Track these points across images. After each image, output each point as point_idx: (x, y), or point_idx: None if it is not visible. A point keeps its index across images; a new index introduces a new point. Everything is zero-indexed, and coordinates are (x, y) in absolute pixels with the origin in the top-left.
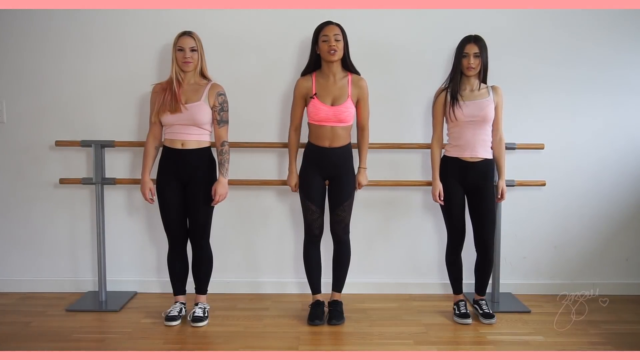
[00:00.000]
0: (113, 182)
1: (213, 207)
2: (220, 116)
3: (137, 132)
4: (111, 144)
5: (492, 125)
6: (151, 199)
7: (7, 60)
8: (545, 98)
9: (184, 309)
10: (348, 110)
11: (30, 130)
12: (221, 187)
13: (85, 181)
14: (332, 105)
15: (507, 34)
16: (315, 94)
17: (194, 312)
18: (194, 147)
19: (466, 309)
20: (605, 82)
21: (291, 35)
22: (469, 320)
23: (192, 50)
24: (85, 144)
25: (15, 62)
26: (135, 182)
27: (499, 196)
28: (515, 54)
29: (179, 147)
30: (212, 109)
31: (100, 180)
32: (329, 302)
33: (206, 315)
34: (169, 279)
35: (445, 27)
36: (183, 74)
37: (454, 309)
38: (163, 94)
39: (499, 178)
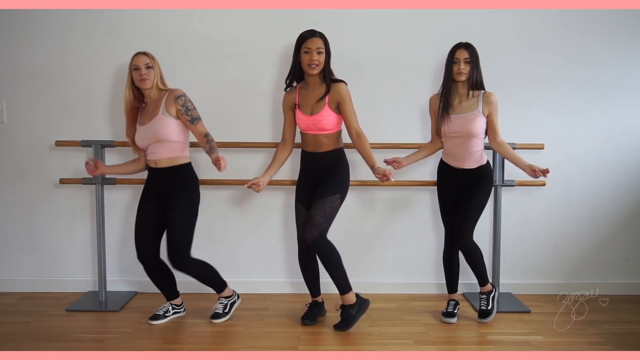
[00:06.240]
0: (113, 182)
1: (191, 226)
2: (189, 116)
3: None
4: (111, 144)
5: (488, 135)
6: (90, 165)
7: (8, 60)
8: (545, 98)
9: (171, 310)
10: (325, 118)
11: (30, 130)
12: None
13: (85, 181)
14: (311, 114)
15: (506, 34)
16: (297, 105)
17: (215, 309)
18: (166, 165)
19: (453, 309)
20: (605, 82)
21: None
22: (452, 320)
23: (148, 67)
24: (85, 144)
25: (15, 62)
26: (135, 182)
27: (538, 172)
28: (515, 54)
29: (154, 166)
30: (177, 115)
31: (100, 180)
32: (340, 306)
33: (226, 311)
34: None
35: (444, 28)
36: (143, 92)
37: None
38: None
39: (523, 167)
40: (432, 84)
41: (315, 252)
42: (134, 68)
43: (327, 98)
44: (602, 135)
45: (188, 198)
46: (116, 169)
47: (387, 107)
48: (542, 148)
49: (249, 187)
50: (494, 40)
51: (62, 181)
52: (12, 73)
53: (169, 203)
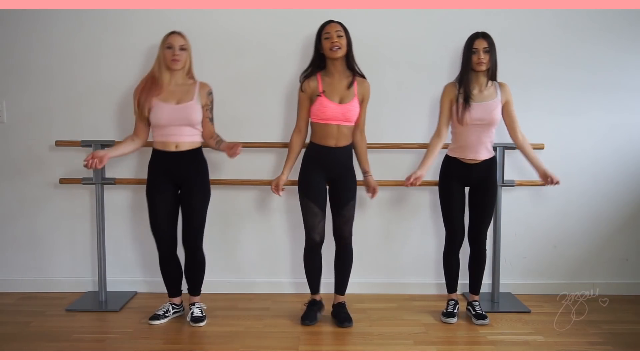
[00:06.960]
0: (113, 182)
1: (206, 210)
2: (211, 114)
3: None
4: (111, 144)
5: (509, 127)
6: (94, 161)
7: (8, 60)
8: (545, 98)
9: (171, 310)
10: (355, 109)
11: (30, 130)
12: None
13: (85, 181)
14: (340, 103)
15: (507, 34)
16: (323, 91)
17: (192, 313)
18: (188, 148)
19: (453, 309)
20: (605, 82)
21: (292, 35)
22: (453, 320)
23: (182, 48)
24: (85, 144)
25: (15, 62)
26: (135, 182)
27: (550, 179)
28: (515, 54)
29: (173, 149)
30: (203, 107)
31: (100, 180)
32: (333, 305)
33: (204, 314)
34: None
35: (447, 28)
36: (169, 72)
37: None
38: (144, 85)
39: (538, 169)
40: (433, 84)
41: (347, 253)
42: (167, 46)
43: (356, 89)
44: (601, 135)
45: (204, 182)
46: (117, 151)
47: (389, 107)
48: (542, 148)
49: (275, 190)
50: (494, 41)
51: (62, 181)
52: (12, 73)
53: (185, 187)
